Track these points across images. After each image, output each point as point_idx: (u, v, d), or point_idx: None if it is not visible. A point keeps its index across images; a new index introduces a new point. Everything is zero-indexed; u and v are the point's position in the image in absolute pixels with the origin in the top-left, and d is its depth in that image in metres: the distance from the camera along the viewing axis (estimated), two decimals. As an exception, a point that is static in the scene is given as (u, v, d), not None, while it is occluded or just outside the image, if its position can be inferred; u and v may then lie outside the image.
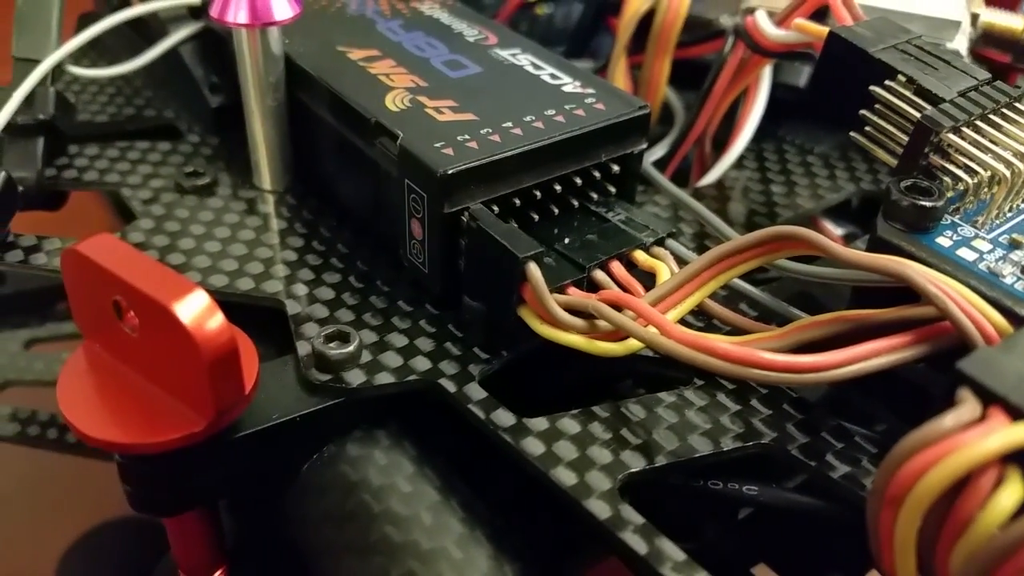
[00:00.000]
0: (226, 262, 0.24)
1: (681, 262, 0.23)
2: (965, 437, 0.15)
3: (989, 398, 0.15)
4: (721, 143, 0.30)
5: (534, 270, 0.20)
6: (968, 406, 0.15)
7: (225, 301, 0.21)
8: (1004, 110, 0.22)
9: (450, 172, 0.21)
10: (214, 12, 0.23)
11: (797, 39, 0.26)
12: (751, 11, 0.30)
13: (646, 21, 0.31)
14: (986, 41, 0.32)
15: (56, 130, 0.27)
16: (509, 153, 0.22)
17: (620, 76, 0.31)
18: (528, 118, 0.23)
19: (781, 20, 0.27)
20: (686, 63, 0.31)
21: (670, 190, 0.27)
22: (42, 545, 0.32)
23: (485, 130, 0.22)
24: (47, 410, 0.29)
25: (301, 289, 0.23)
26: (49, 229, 0.27)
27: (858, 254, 0.19)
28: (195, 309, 0.17)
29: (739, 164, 0.30)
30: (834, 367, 0.19)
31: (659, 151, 0.29)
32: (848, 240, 0.29)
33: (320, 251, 0.25)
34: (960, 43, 0.29)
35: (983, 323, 0.18)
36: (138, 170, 0.27)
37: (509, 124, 0.22)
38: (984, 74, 0.23)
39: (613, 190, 0.24)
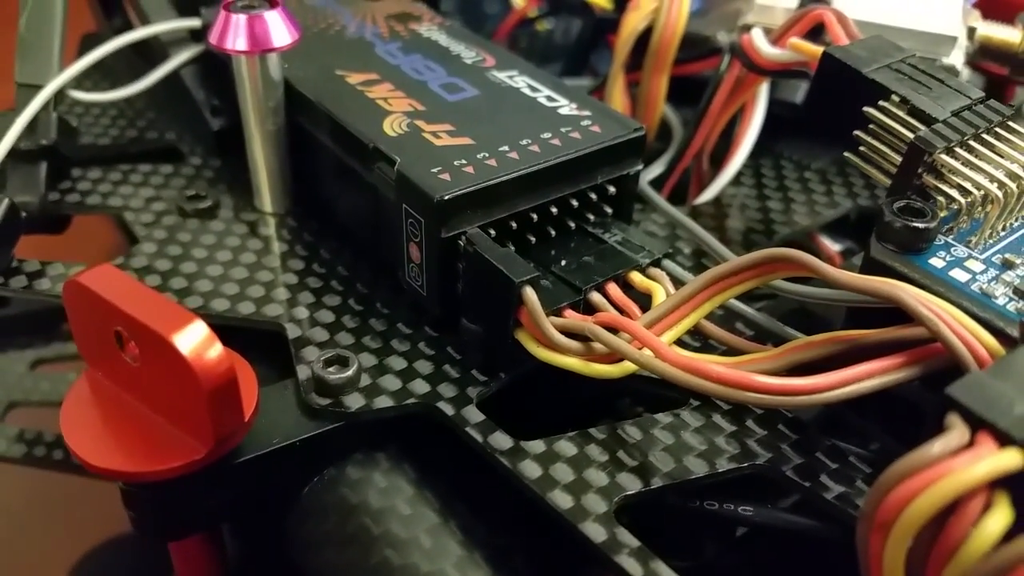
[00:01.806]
0: (228, 286, 0.24)
1: (677, 282, 0.23)
2: (953, 464, 0.15)
3: (977, 423, 0.16)
4: (719, 160, 0.30)
5: (530, 294, 0.20)
6: (956, 432, 0.15)
7: (227, 325, 0.22)
8: (997, 129, 0.22)
9: (447, 198, 0.21)
10: (213, 39, 0.24)
11: (792, 58, 0.26)
12: (748, 28, 0.31)
13: (644, 38, 0.31)
14: (983, 54, 0.32)
15: (59, 154, 0.27)
16: (505, 177, 0.22)
17: (618, 93, 0.31)
18: (524, 141, 0.23)
19: (777, 38, 0.27)
20: (685, 79, 0.32)
21: (666, 210, 0.27)
22: (50, 561, 0.32)
23: (482, 154, 0.22)
24: (53, 431, 0.29)
25: (302, 312, 0.24)
26: (54, 251, 0.27)
27: (850, 276, 0.20)
28: (194, 340, 0.17)
29: (736, 181, 0.30)
30: (826, 389, 0.19)
31: (657, 169, 0.30)
32: (846, 255, 0.29)
33: (320, 273, 0.25)
34: (956, 58, 0.29)
35: (975, 345, 0.18)
36: (140, 193, 0.28)
37: (505, 148, 0.23)
38: (977, 93, 0.23)
39: (610, 211, 0.24)
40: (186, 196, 0.27)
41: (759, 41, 0.27)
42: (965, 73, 0.30)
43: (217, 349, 0.17)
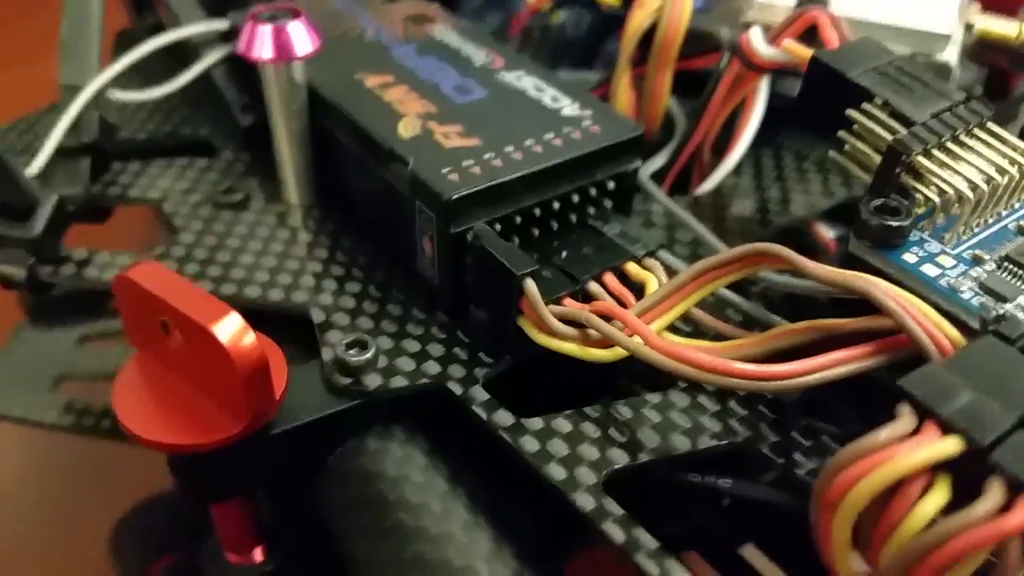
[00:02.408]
0: (259, 274, 0.27)
1: (672, 272, 0.25)
2: (896, 449, 0.17)
3: (925, 413, 0.17)
4: (722, 151, 0.32)
5: (530, 285, 0.22)
6: (904, 420, 0.17)
7: (259, 310, 0.25)
8: (975, 130, 0.24)
9: (455, 197, 0.23)
10: (240, 48, 0.26)
11: (786, 58, 0.28)
12: (749, 26, 0.32)
13: (649, 34, 0.32)
14: (982, 48, 0.34)
15: (101, 150, 0.29)
16: (509, 177, 0.24)
17: (624, 88, 0.33)
18: (528, 142, 0.25)
19: (773, 38, 0.29)
20: (689, 73, 0.33)
21: (663, 201, 0.29)
22: (89, 524, 0.35)
23: (488, 155, 0.24)
24: (100, 402, 0.31)
25: (326, 299, 0.26)
26: (98, 239, 0.30)
27: (827, 270, 0.21)
28: (231, 330, 0.19)
29: (737, 171, 0.31)
30: (799, 375, 0.21)
31: (660, 160, 0.31)
32: (841, 242, 0.31)
33: (343, 262, 0.27)
34: (951, 54, 0.31)
35: (938, 336, 0.20)
36: (177, 186, 0.30)
37: (511, 149, 0.24)
38: (959, 95, 0.24)
39: (610, 204, 0.26)
40: (220, 190, 0.29)
41: (756, 40, 0.29)
42: (957, 73, 0.31)
43: (251, 337, 0.19)
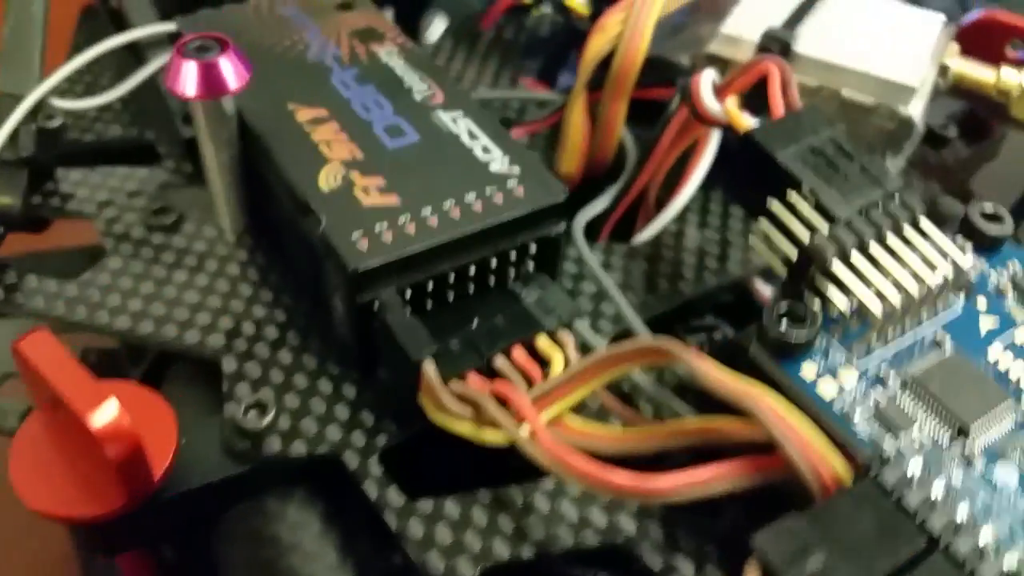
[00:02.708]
0: (178, 311, 0.27)
1: (587, 346, 0.25)
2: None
3: (771, 574, 0.17)
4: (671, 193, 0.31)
5: (428, 367, 0.22)
6: (750, 578, 0.17)
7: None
8: (906, 227, 0.23)
9: (361, 270, 0.23)
10: (167, 83, 0.25)
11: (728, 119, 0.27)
12: (710, 59, 0.31)
13: (610, 58, 0.31)
14: (956, 94, 0.32)
15: (39, 162, 0.29)
16: (421, 247, 0.23)
17: (578, 114, 0.32)
18: (447, 204, 0.24)
19: (725, 86, 0.28)
20: (649, 102, 0.32)
21: (585, 258, 0.28)
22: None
23: (403, 218, 0.24)
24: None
25: (241, 345, 0.26)
26: (44, 239, 0.30)
27: (717, 378, 0.21)
28: (105, 419, 0.19)
29: (682, 217, 0.31)
30: (676, 490, 0.20)
31: (603, 203, 0.30)
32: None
33: (266, 302, 0.27)
34: (915, 108, 0.29)
35: (822, 471, 0.20)
36: (115, 200, 0.30)
37: (428, 211, 0.24)
38: (895, 183, 0.24)
39: (532, 267, 0.26)
40: (152, 210, 0.29)
41: (705, 90, 0.28)
42: (921, 129, 0.30)
43: (125, 427, 0.19)
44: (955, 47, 0.32)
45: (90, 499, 0.21)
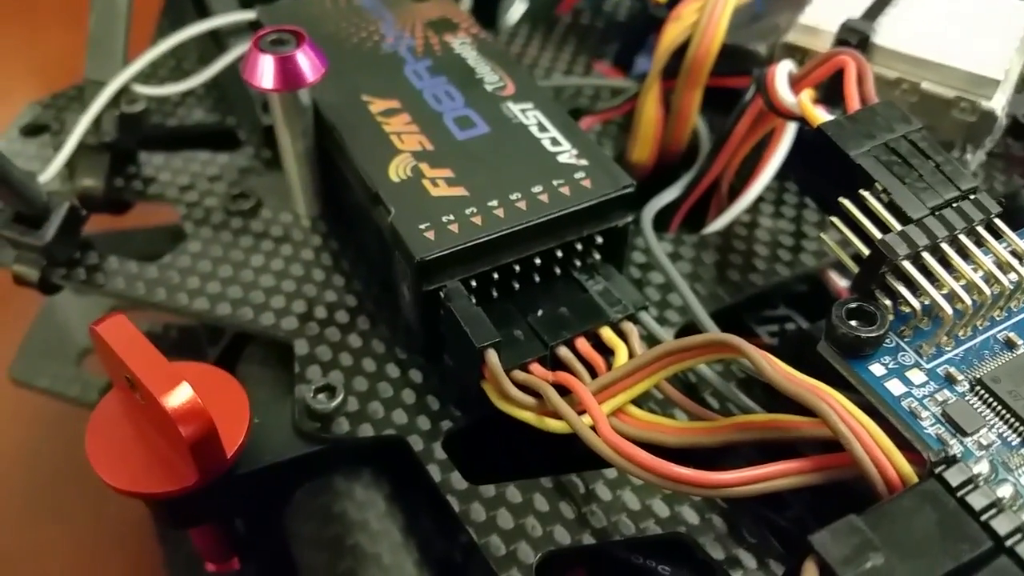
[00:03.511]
0: (254, 294, 0.27)
1: (651, 338, 0.25)
2: (791, 612, 0.17)
3: (828, 574, 0.17)
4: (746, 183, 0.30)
5: (491, 356, 0.23)
6: (807, 578, 0.17)
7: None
8: (979, 228, 0.22)
9: (427, 259, 0.23)
10: (245, 75, 0.26)
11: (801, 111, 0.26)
12: (788, 49, 0.30)
13: (685, 46, 0.31)
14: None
15: (121, 147, 0.30)
16: (487, 237, 0.24)
17: (652, 103, 0.32)
18: (514, 196, 0.24)
19: (800, 78, 0.27)
20: (725, 90, 0.32)
21: (652, 249, 0.28)
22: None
23: (470, 209, 0.24)
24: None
25: (313, 328, 0.27)
26: (126, 219, 0.31)
27: (782, 376, 0.21)
28: (179, 400, 0.20)
29: (755, 208, 0.30)
30: (737, 485, 0.20)
31: (674, 192, 0.30)
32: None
33: (338, 287, 0.28)
34: (998, 102, 0.28)
35: (888, 470, 0.20)
36: (196, 185, 0.31)
37: (494, 203, 0.24)
38: (970, 182, 0.23)
39: (598, 257, 0.26)
40: (232, 196, 0.30)
41: (780, 82, 0.27)
42: (1003, 123, 0.29)
43: (198, 409, 0.20)
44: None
45: (164, 476, 0.22)
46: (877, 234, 0.22)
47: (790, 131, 0.30)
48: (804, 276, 0.29)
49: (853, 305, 0.22)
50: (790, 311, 0.31)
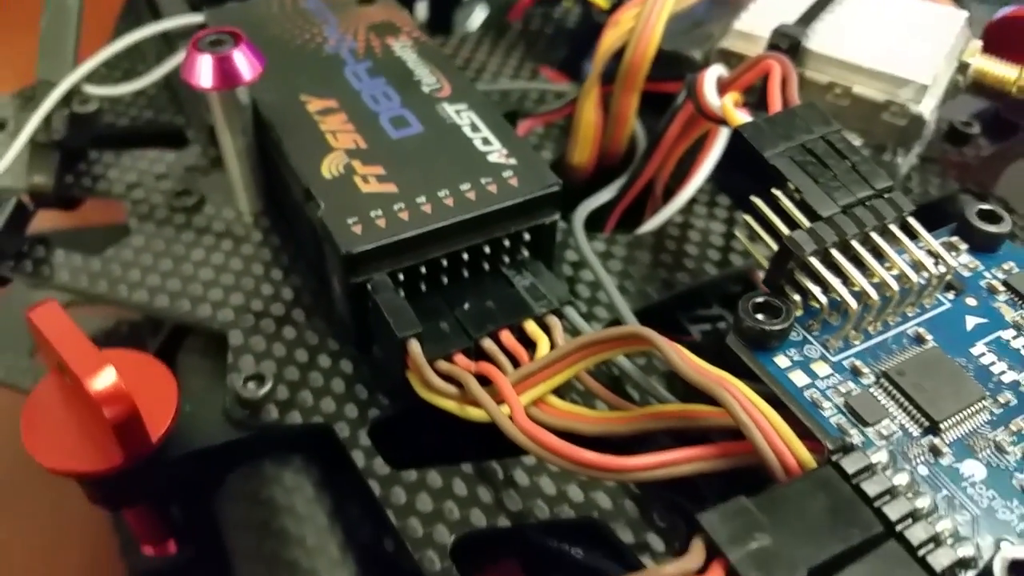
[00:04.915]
0: (193, 287, 0.28)
1: (576, 331, 0.25)
2: (674, 587, 0.17)
3: (715, 552, 0.18)
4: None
5: (413, 346, 0.23)
6: (693, 556, 0.18)
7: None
8: (892, 227, 0.23)
9: (354, 252, 0.24)
10: (183, 74, 0.27)
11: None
12: (721, 54, 0.31)
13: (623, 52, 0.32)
14: (976, 90, 0.32)
15: (71, 146, 0.31)
16: (413, 233, 0.24)
17: (590, 107, 0.33)
18: (442, 193, 0.25)
19: (729, 83, 0.28)
20: (664, 95, 0.32)
21: (580, 247, 0.29)
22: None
23: (398, 205, 0.25)
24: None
25: (248, 320, 0.27)
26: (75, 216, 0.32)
27: (689, 366, 0.21)
28: (104, 383, 0.21)
29: (689, 209, 0.31)
30: (643, 470, 0.21)
31: (608, 193, 0.31)
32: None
33: (276, 280, 0.28)
34: (927, 106, 0.29)
35: (785, 455, 0.20)
36: (143, 182, 0.32)
37: (422, 200, 0.25)
38: (884, 182, 0.24)
39: (527, 253, 0.26)
40: (175, 192, 0.31)
41: (708, 86, 0.28)
42: (932, 127, 0.30)
43: (121, 393, 0.21)
44: (977, 44, 0.32)
45: (92, 456, 0.22)
46: (785, 231, 0.23)
47: (724, 135, 0.30)
48: (735, 276, 0.30)
49: (760, 299, 0.22)
50: (724, 311, 0.32)
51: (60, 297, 0.35)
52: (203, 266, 0.29)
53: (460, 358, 0.24)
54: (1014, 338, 0.23)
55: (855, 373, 0.22)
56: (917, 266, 0.23)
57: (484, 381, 0.23)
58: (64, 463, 0.22)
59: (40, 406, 0.23)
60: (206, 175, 0.32)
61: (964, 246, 0.25)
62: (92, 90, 0.32)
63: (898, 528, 0.19)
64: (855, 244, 0.23)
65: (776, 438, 0.20)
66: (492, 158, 0.26)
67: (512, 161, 0.26)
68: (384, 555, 0.25)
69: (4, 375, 0.33)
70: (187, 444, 0.24)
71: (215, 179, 0.32)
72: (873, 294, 0.22)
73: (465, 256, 0.25)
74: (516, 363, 0.24)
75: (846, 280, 0.22)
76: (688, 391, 0.24)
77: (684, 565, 0.18)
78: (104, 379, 0.21)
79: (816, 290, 0.22)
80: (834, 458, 0.20)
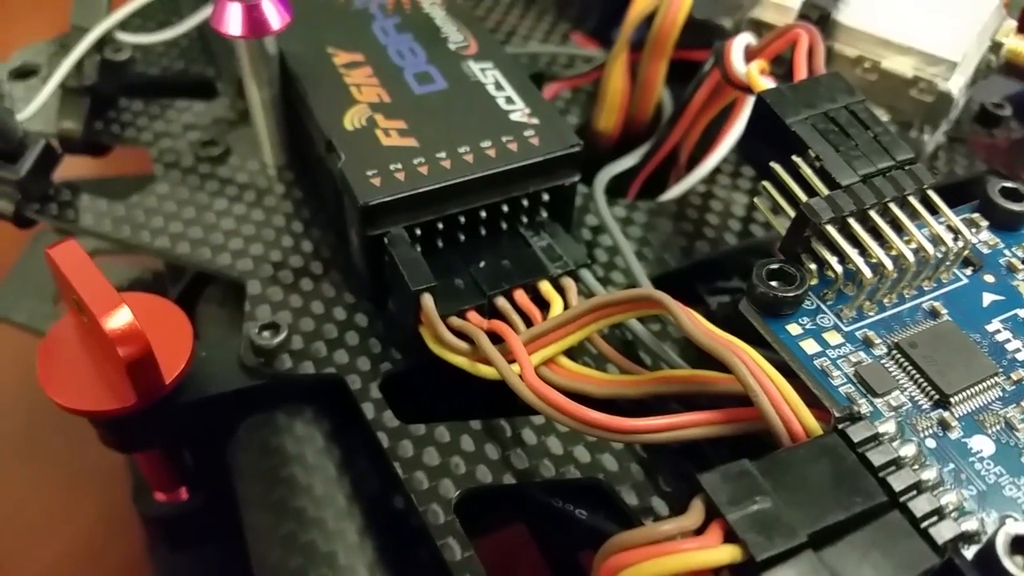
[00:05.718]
0: (215, 235, 0.28)
1: (590, 294, 0.25)
2: (671, 546, 0.17)
3: (714, 513, 0.18)
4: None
5: (427, 300, 0.23)
6: (692, 516, 0.18)
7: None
8: (911, 198, 0.23)
9: (372, 203, 0.24)
10: (213, 22, 0.27)
11: (757, 81, 0.27)
12: (752, 24, 0.31)
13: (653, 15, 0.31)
14: (1008, 70, 0.31)
15: (101, 91, 0.31)
16: (431, 187, 0.24)
17: (618, 73, 0.32)
18: (463, 149, 0.25)
19: (757, 51, 0.28)
20: (692, 63, 0.32)
21: (600, 211, 0.29)
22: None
23: (418, 160, 0.25)
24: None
25: (266, 270, 0.27)
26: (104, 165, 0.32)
27: (699, 330, 0.21)
28: (119, 322, 0.21)
29: (712, 179, 0.31)
30: (649, 431, 0.21)
31: (631, 160, 0.31)
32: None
33: (296, 233, 0.29)
34: (956, 83, 0.29)
35: (792, 421, 0.20)
36: (170, 130, 0.32)
37: (442, 155, 0.25)
38: (906, 154, 0.23)
39: (545, 215, 0.26)
40: (202, 143, 0.31)
41: (735, 53, 0.28)
42: (960, 103, 0.29)
43: (136, 332, 0.21)
44: (1012, 24, 0.31)
45: (106, 396, 0.23)
46: (803, 197, 0.23)
47: (750, 104, 0.30)
48: (756, 247, 0.29)
49: (775, 266, 0.22)
50: (743, 283, 0.31)
51: (85, 245, 0.36)
52: (225, 216, 0.29)
53: (473, 315, 0.24)
54: (1032, 317, 0.23)
55: (867, 344, 0.22)
56: (935, 239, 0.23)
57: (496, 339, 0.23)
58: (78, 402, 0.23)
59: (57, 344, 0.24)
60: (233, 127, 0.32)
61: (985, 223, 0.25)
62: (125, 38, 0.32)
63: (902, 499, 0.19)
64: (873, 214, 0.22)
65: (783, 404, 0.20)
66: (515, 117, 0.26)
67: (534, 120, 0.26)
68: (391, 510, 0.25)
69: (27, 319, 0.34)
70: (201, 389, 0.25)
71: (242, 132, 0.32)
72: (889, 265, 0.22)
73: (483, 214, 0.25)
74: (529, 323, 0.24)
75: (863, 250, 0.22)
76: (700, 359, 0.24)
77: (682, 524, 0.18)
78: (120, 318, 0.21)
79: (832, 259, 0.22)
80: (840, 426, 0.20)
